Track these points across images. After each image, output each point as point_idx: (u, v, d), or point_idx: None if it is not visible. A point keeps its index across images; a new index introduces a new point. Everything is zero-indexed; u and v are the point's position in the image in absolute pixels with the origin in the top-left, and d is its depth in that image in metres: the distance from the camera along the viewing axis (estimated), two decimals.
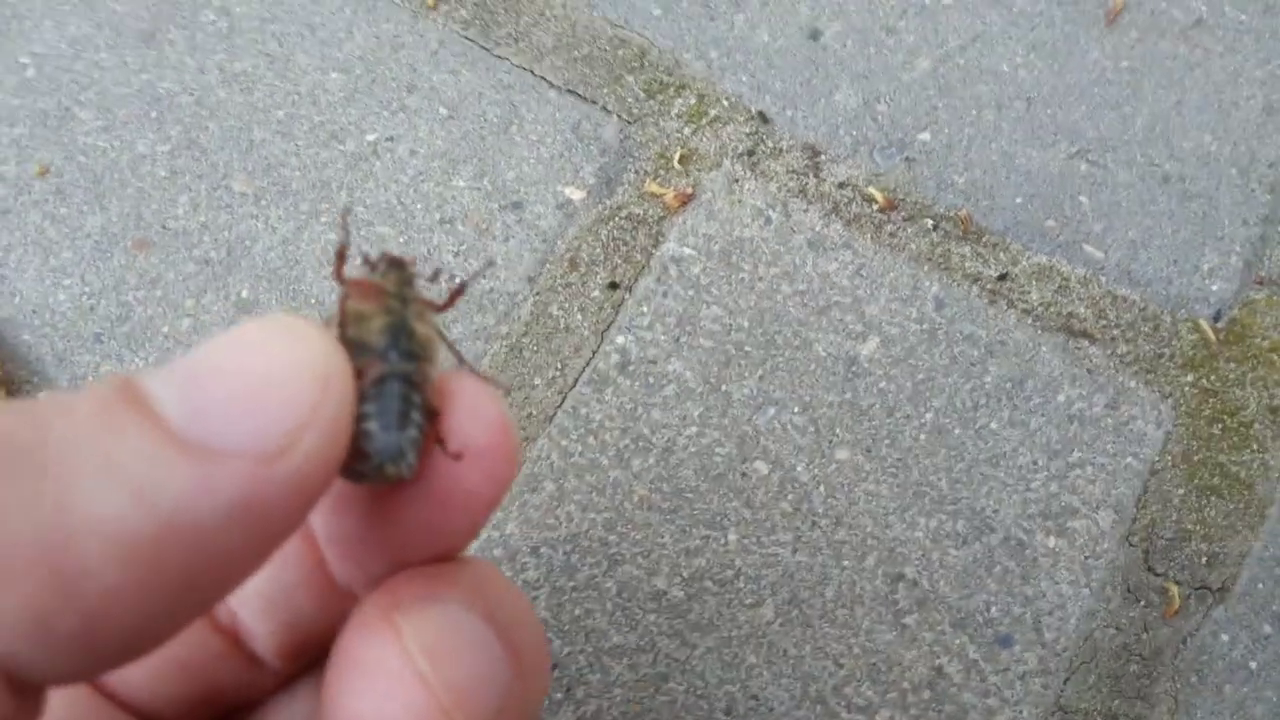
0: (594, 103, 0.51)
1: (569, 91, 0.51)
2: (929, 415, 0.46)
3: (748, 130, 0.51)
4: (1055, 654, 0.42)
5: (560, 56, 0.52)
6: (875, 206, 0.49)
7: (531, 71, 0.52)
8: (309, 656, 0.27)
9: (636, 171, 0.50)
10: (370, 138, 0.50)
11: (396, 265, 0.24)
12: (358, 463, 0.21)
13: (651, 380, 0.46)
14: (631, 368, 0.46)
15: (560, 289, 0.48)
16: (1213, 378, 0.46)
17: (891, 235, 0.49)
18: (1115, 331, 0.47)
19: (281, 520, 0.19)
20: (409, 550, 0.23)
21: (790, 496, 0.45)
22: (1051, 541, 0.44)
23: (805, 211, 0.49)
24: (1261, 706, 0.42)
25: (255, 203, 0.49)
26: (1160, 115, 0.51)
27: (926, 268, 0.48)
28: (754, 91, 0.51)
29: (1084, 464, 0.45)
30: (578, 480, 0.45)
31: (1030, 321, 0.47)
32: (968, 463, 0.45)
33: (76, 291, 0.48)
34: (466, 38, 0.52)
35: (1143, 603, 0.43)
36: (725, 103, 0.51)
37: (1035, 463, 0.45)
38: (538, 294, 0.48)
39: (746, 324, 0.47)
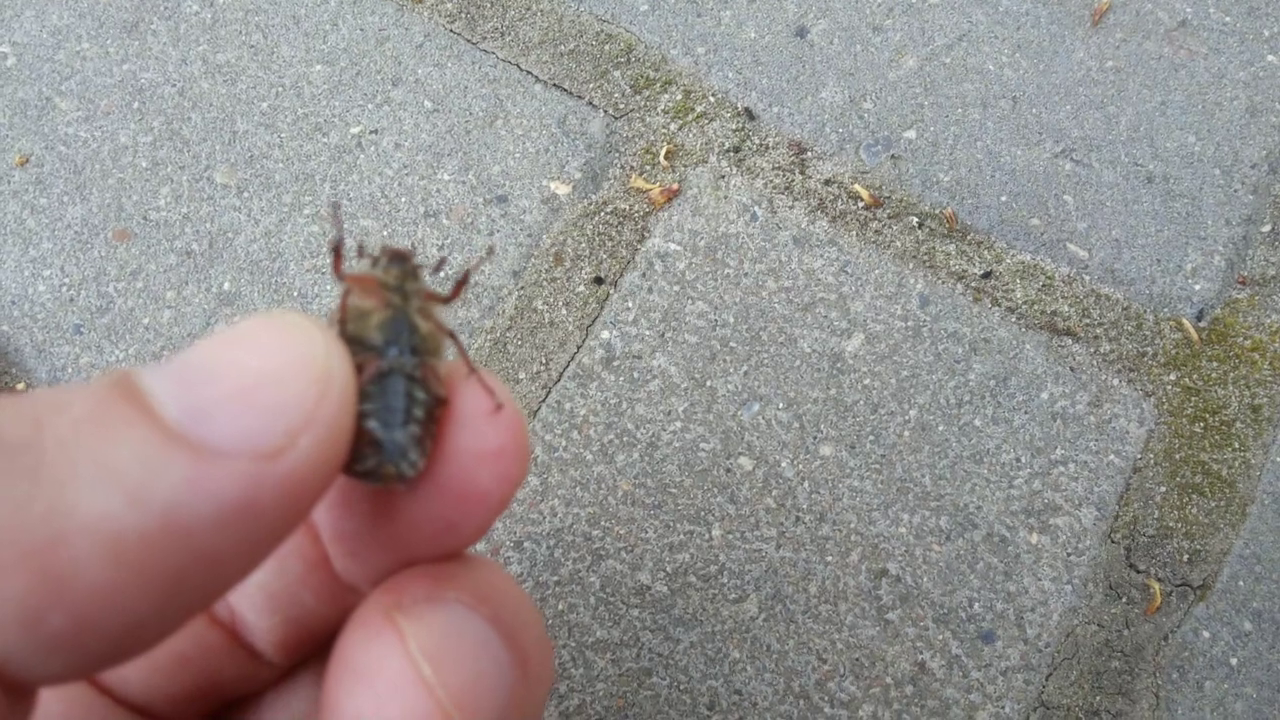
0: (580, 97, 0.51)
1: (555, 86, 0.51)
2: (913, 412, 0.46)
3: (734, 126, 0.51)
4: (1037, 650, 0.42)
5: (546, 51, 0.52)
6: (861, 204, 0.49)
7: (518, 66, 0.51)
8: (309, 651, 0.26)
9: (622, 167, 0.50)
10: (354, 130, 0.50)
11: (398, 259, 0.23)
12: (360, 461, 0.20)
13: (636, 375, 0.46)
14: (616, 363, 0.46)
15: (545, 283, 0.48)
16: (1195, 376, 0.47)
17: (877, 232, 0.49)
18: (1099, 330, 0.47)
19: (279, 520, 0.18)
20: (414, 548, 0.23)
21: (774, 492, 0.45)
22: (1034, 538, 0.44)
23: (791, 208, 0.49)
24: (1241, 703, 0.42)
25: (238, 194, 0.49)
26: (1144, 115, 0.51)
27: (911, 265, 0.48)
28: (740, 88, 0.51)
29: (1067, 461, 0.45)
30: (561, 475, 0.45)
31: (1014, 319, 0.47)
32: (951, 459, 0.45)
33: (56, 282, 0.47)
34: (452, 31, 0.52)
35: (1124, 599, 0.44)
36: (712, 99, 0.51)
37: (1018, 460, 0.45)
38: (522, 288, 0.48)
39: (731, 320, 0.47)
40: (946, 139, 0.51)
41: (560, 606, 0.43)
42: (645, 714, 0.42)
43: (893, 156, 0.50)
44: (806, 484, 0.45)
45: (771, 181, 0.50)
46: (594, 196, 0.49)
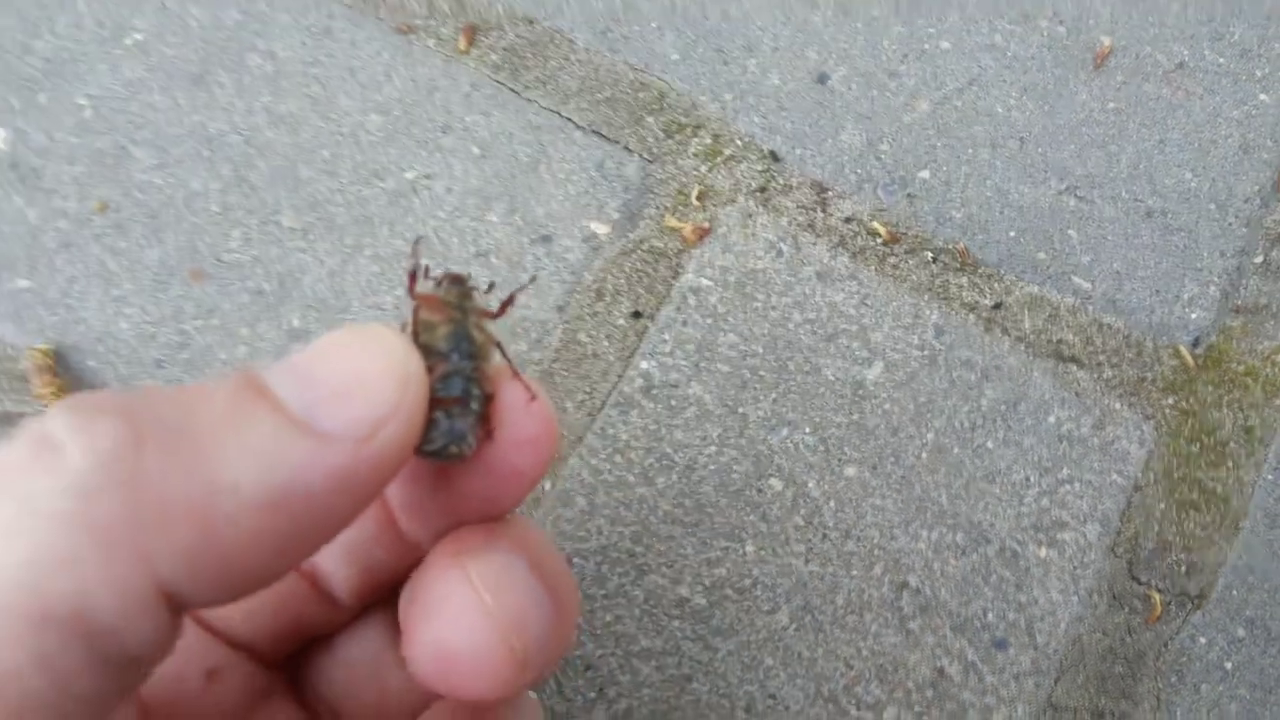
0: (617, 142, 0.55)
1: (593, 132, 0.55)
2: (930, 435, 0.49)
3: (760, 168, 0.54)
4: (1047, 656, 0.46)
5: (585, 99, 0.56)
6: (879, 240, 0.53)
7: (558, 113, 0.55)
8: (378, 596, 0.32)
9: (657, 207, 0.54)
10: (409, 175, 0.54)
11: (457, 281, 0.29)
12: (430, 443, 0.26)
13: (674, 403, 0.50)
14: (655, 391, 0.50)
15: (588, 317, 0.51)
16: (1191, 400, 0.50)
17: (894, 267, 0.52)
18: (1101, 357, 0.51)
19: (370, 487, 0.23)
20: (466, 513, 0.29)
21: (803, 511, 0.48)
22: (1043, 552, 0.48)
23: (814, 244, 0.53)
24: (1236, 704, 0.46)
25: (303, 237, 0.52)
26: (1144, 153, 0.55)
27: (927, 297, 0.52)
28: (766, 132, 0.55)
29: (1073, 480, 0.49)
30: (607, 496, 0.48)
31: (1023, 348, 0.51)
32: (966, 479, 0.49)
33: (138, 320, 0.51)
34: (497, 81, 0.56)
35: (1127, 609, 0.47)
36: (739, 142, 0.55)
37: (1028, 479, 0.49)
38: (566, 322, 0.51)
39: (761, 350, 0.51)
40: (958, 178, 0.54)
41: (608, 618, 0.47)
42: (687, 717, 0.45)
43: (908, 195, 0.54)
44: (832, 503, 0.49)
45: (796, 219, 0.53)
46: (631, 235, 0.53)
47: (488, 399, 0.27)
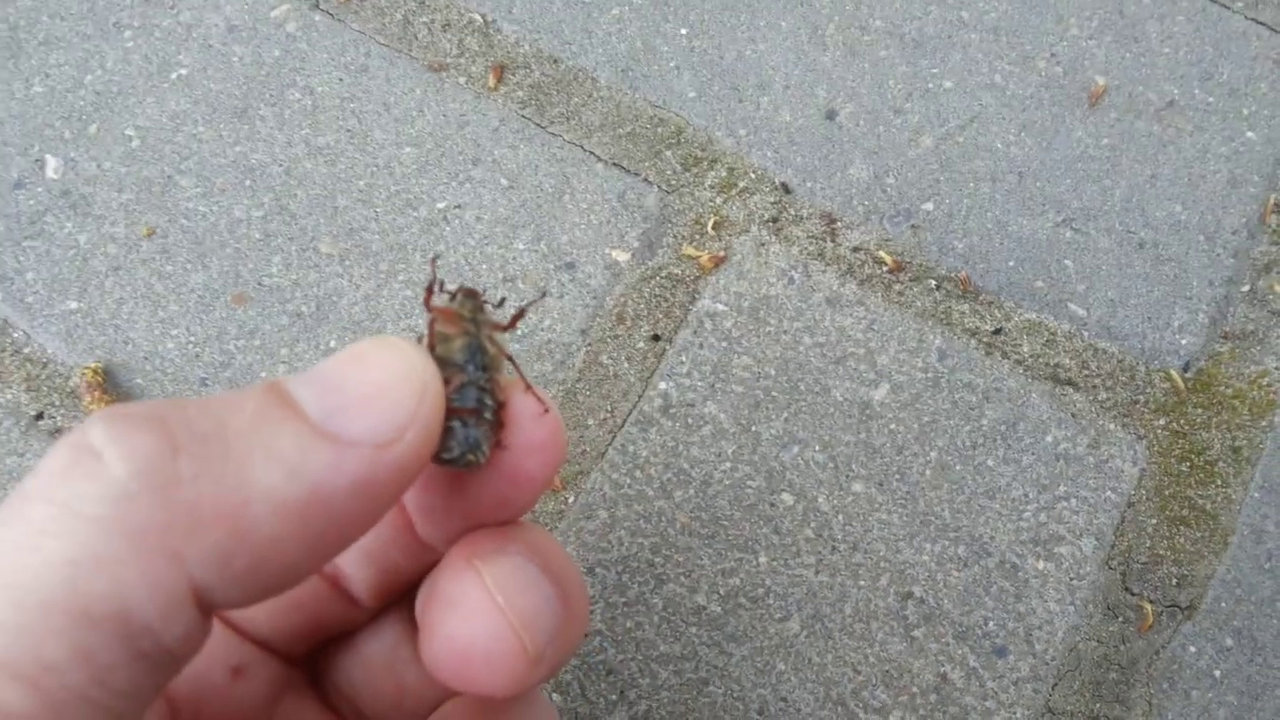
0: (637, 175, 0.58)
1: (615, 165, 0.58)
2: (933, 453, 0.52)
3: (772, 200, 0.57)
4: (1044, 663, 0.49)
5: (607, 133, 0.59)
6: (885, 268, 0.56)
7: (581, 146, 0.58)
8: (395, 596, 0.34)
9: (675, 236, 0.57)
10: (440, 205, 0.57)
11: (470, 295, 0.30)
12: (446, 452, 0.27)
13: (690, 421, 0.53)
14: (673, 410, 0.53)
15: (609, 340, 0.54)
16: (1182, 421, 0.53)
17: (899, 294, 0.55)
18: (1096, 380, 0.54)
19: (390, 492, 0.25)
20: (479, 517, 0.30)
21: (813, 524, 0.51)
22: (1041, 565, 0.50)
23: (823, 272, 0.56)
24: (1224, 710, 0.48)
25: (340, 263, 0.55)
26: (1136, 187, 0.58)
27: (930, 323, 0.55)
28: (778, 165, 0.58)
29: (1069, 497, 0.51)
30: (627, 509, 0.51)
31: (1022, 371, 0.54)
32: (967, 495, 0.51)
33: (183, 340, 0.54)
34: (524, 116, 0.59)
35: (1121, 619, 0.50)
36: (752, 175, 0.58)
37: (1026, 496, 0.51)
38: (589, 345, 0.54)
39: (773, 372, 0.54)
40: (960, 210, 0.57)
41: (628, 624, 0.49)
42: (704, 718, 0.48)
43: (913, 226, 0.57)
44: (841, 517, 0.51)
45: (806, 249, 0.56)
46: (650, 263, 0.56)
47: (500, 408, 0.29)
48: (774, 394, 0.53)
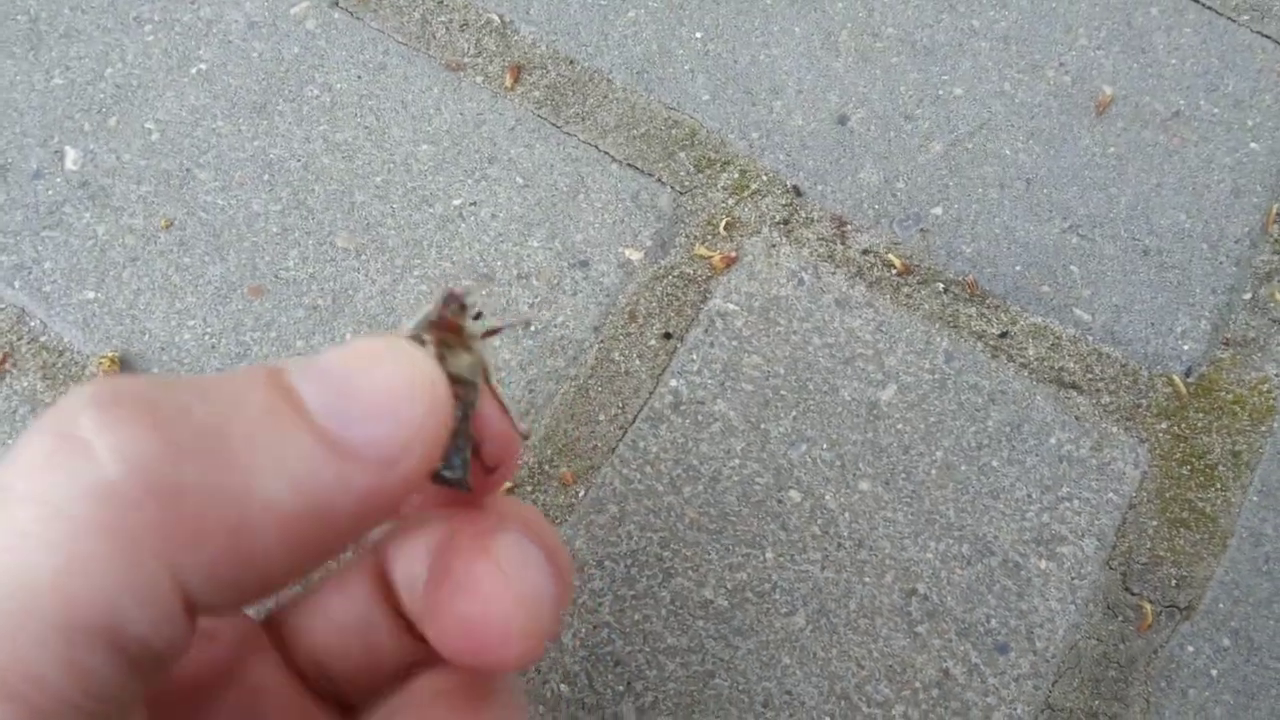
0: (650, 175, 0.59)
1: (629, 165, 0.59)
2: (939, 453, 0.53)
3: (784, 202, 0.58)
4: (1045, 660, 0.50)
5: (621, 134, 0.60)
6: (894, 271, 0.57)
7: (596, 147, 0.59)
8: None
9: (687, 236, 0.57)
10: (456, 202, 0.58)
11: (461, 304, 0.28)
12: (448, 470, 0.27)
13: (700, 419, 0.54)
14: (683, 407, 0.54)
15: (621, 338, 0.55)
16: (1183, 426, 0.54)
17: (908, 296, 0.56)
18: (1100, 384, 0.55)
19: (391, 505, 0.24)
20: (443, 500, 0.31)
21: (819, 521, 0.52)
22: (1043, 564, 0.51)
23: (833, 274, 0.57)
24: (1220, 708, 0.49)
25: (356, 257, 0.56)
26: (1142, 196, 0.59)
27: (938, 325, 0.56)
28: (789, 168, 0.59)
29: (1071, 498, 0.52)
30: (637, 504, 0.52)
31: (1027, 374, 0.55)
32: (972, 495, 0.52)
33: (200, 331, 0.55)
34: (540, 116, 0.60)
35: (1120, 618, 0.51)
36: (764, 178, 0.59)
37: (1030, 496, 0.52)
38: (601, 342, 0.55)
39: (782, 371, 0.54)
40: (969, 215, 0.58)
41: (636, 617, 0.50)
42: (709, 711, 0.49)
43: (922, 230, 0.58)
44: (847, 514, 0.52)
45: (816, 251, 0.57)
46: (663, 262, 0.57)
47: (477, 425, 0.28)
48: (783, 393, 0.54)
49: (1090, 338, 0.56)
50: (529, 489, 0.52)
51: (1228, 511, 0.52)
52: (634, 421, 0.54)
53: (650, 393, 0.54)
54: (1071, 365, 0.55)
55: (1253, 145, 0.60)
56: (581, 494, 0.52)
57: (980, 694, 0.49)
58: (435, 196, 0.58)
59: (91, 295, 0.56)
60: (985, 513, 0.52)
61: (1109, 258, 0.57)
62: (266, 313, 0.55)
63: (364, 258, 0.56)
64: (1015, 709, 0.49)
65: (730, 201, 0.58)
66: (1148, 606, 0.51)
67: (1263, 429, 0.54)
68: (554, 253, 0.57)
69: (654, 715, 0.49)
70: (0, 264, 0.56)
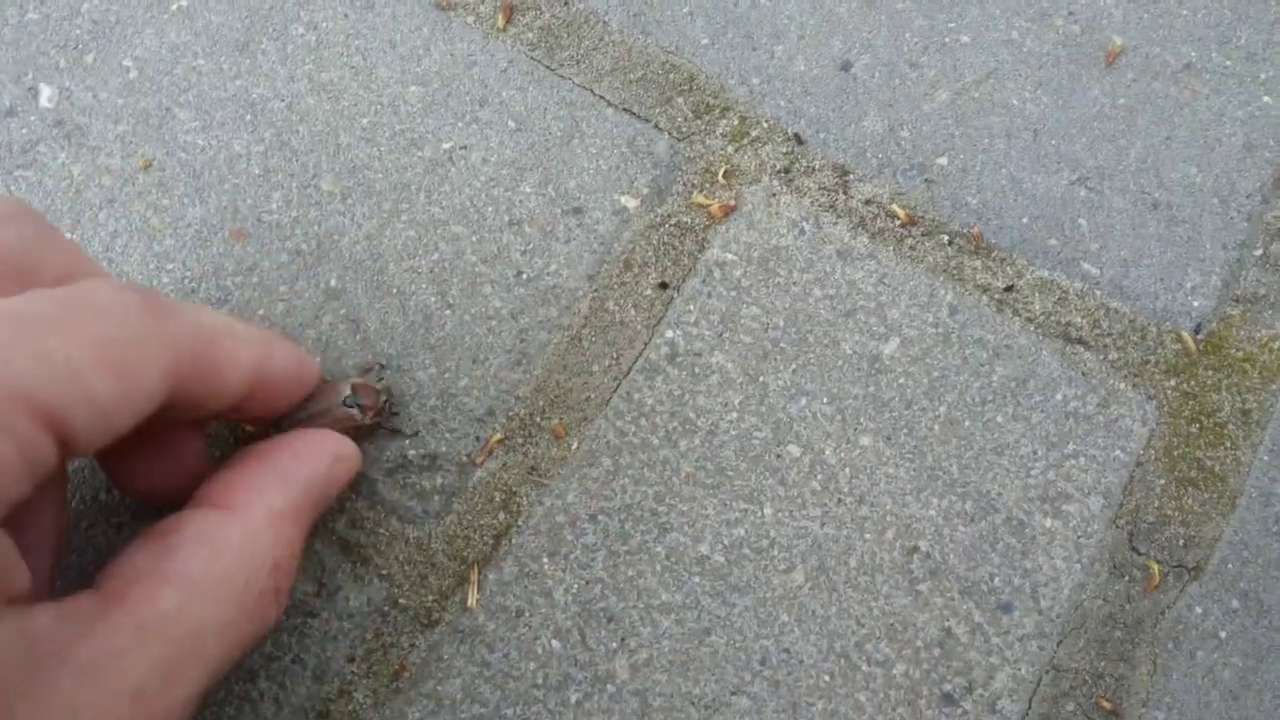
0: (647, 121, 0.57)
1: (625, 110, 0.57)
2: (942, 408, 0.52)
3: (784, 150, 0.56)
4: (1050, 620, 0.48)
5: (617, 78, 0.58)
6: (897, 222, 0.55)
7: (591, 91, 0.57)
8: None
9: (684, 184, 0.55)
10: (446, 146, 0.56)
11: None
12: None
13: (697, 371, 0.52)
14: (679, 359, 0.52)
15: (616, 287, 0.53)
16: (1192, 383, 0.52)
17: (911, 248, 0.55)
18: (1107, 340, 0.53)
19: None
20: None
21: (819, 476, 0.50)
22: (1048, 522, 0.50)
23: (835, 224, 0.55)
24: (1229, 671, 0.48)
25: (342, 201, 0.54)
26: (1152, 149, 0.57)
27: (942, 278, 0.54)
28: (790, 115, 0.57)
29: (1077, 455, 0.51)
30: (631, 457, 0.50)
31: (1033, 329, 0.53)
32: (976, 451, 0.51)
33: (179, 275, 0.53)
34: (533, 58, 0.58)
35: (1127, 578, 0.49)
36: (765, 125, 0.57)
37: (1035, 453, 0.51)
38: (595, 291, 0.53)
39: (782, 323, 0.53)
40: (975, 165, 0.56)
41: (630, 573, 0.49)
42: (705, 668, 0.47)
43: (926, 180, 0.56)
44: (847, 470, 0.50)
45: (818, 200, 0.55)
46: (659, 210, 0.55)
47: None
48: (782, 345, 0.52)
49: (1098, 292, 0.54)
50: (520, 441, 0.50)
51: (1237, 471, 0.51)
52: (628, 373, 0.52)
53: (645, 344, 0.52)
54: (1079, 320, 0.53)
55: (1265, 99, 0.58)
56: (574, 447, 0.51)
57: (983, 654, 0.48)
58: (424, 139, 0.56)
59: (67, 237, 0.53)
60: (989, 469, 0.51)
61: (1118, 211, 0.56)
62: (249, 257, 0.53)
63: (349, 201, 0.54)
64: (1019, 669, 0.47)
65: (729, 149, 0.56)
66: (1155, 566, 0.49)
67: (1273, 387, 0.52)
68: (547, 199, 0.55)
69: (648, 673, 0.47)
70: None
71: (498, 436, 0.50)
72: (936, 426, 0.51)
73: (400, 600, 0.48)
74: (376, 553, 0.48)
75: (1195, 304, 0.54)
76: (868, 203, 0.55)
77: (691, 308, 0.53)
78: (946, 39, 0.59)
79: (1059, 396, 0.52)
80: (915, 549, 0.49)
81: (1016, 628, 0.48)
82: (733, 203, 0.55)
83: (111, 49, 0.58)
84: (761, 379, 0.52)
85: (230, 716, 0.45)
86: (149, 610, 0.33)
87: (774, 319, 0.53)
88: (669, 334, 0.52)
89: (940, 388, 0.52)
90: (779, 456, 0.51)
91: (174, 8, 0.58)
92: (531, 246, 0.54)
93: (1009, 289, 0.54)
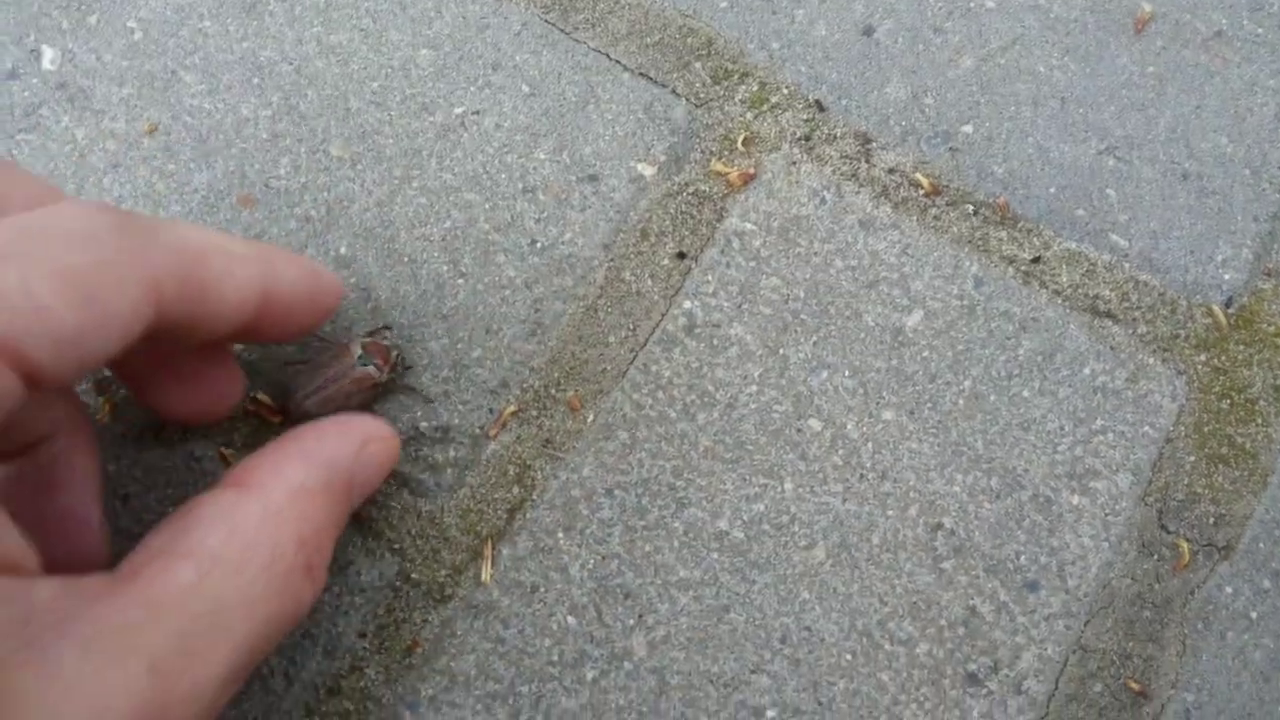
0: (664, 86, 0.55)
1: (641, 75, 0.55)
2: (967, 382, 0.50)
3: (805, 117, 0.55)
4: (1077, 599, 0.47)
5: (634, 42, 0.56)
6: (921, 191, 0.54)
7: (607, 55, 0.56)
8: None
9: (703, 151, 0.54)
10: (458, 110, 0.54)
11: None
12: None
13: (715, 342, 0.51)
14: (697, 330, 0.51)
15: (632, 256, 0.52)
16: (1223, 358, 0.51)
17: (935, 218, 0.53)
18: (1136, 313, 0.52)
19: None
20: None
21: (841, 451, 0.49)
22: (1075, 499, 0.49)
23: (857, 194, 0.53)
24: (1260, 652, 0.47)
25: (352, 166, 0.53)
26: (1181, 118, 0.56)
27: (967, 249, 0.53)
28: (812, 81, 0.56)
29: (1106, 431, 0.50)
30: (648, 430, 0.49)
31: (1060, 301, 0.52)
32: (1001, 426, 0.50)
33: None
34: (547, 21, 0.56)
35: (1156, 557, 0.48)
36: (785, 91, 0.55)
37: (1062, 428, 0.50)
38: (612, 260, 0.52)
39: (802, 294, 0.51)
40: (1000, 134, 0.55)
41: (647, 548, 0.47)
42: (724, 646, 0.46)
43: (951, 149, 0.55)
44: (870, 445, 0.49)
45: (839, 169, 0.54)
46: (677, 178, 0.54)
47: None
48: (803, 317, 0.51)
49: (1127, 265, 0.53)
50: (534, 413, 0.49)
51: (1268, 448, 0.50)
52: (645, 344, 0.51)
53: (663, 314, 0.51)
54: (1107, 293, 0.52)
55: None
56: (590, 419, 0.49)
57: (1009, 633, 0.47)
58: (435, 104, 0.54)
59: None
60: (1015, 445, 0.49)
61: (1147, 181, 0.54)
62: (257, 223, 0.52)
63: (359, 167, 0.53)
64: (1045, 649, 0.46)
65: (749, 115, 0.55)
66: (1184, 545, 0.48)
67: None
68: (562, 166, 0.53)
69: (666, 650, 0.46)
70: None
71: (511, 409, 0.49)
72: (961, 401, 0.50)
73: (412, 575, 0.47)
74: (388, 526, 0.47)
75: (1226, 277, 0.53)
76: (891, 171, 0.54)
77: (710, 278, 0.52)
78: (971, 4, 0.58)
79: (1087, 371, 0.51)
80: (939, 526, 0.48)
81: (1043, 607, 0.47)
82: (752, 171, 0.53)
83: (115, 10, 0.56)
84: (782, 351, 0.50)
85: (239, 692, 0.44)
86: (163, 585, 0.32)
87: (794, 290, 0.52)
88: (687, 305, 0.51)
89: (965, 361, 0.51)
90: (800, 430, 0.49)
91: None
92: (546, 214, 0.52)
93: (1036, 260, 0.52)
